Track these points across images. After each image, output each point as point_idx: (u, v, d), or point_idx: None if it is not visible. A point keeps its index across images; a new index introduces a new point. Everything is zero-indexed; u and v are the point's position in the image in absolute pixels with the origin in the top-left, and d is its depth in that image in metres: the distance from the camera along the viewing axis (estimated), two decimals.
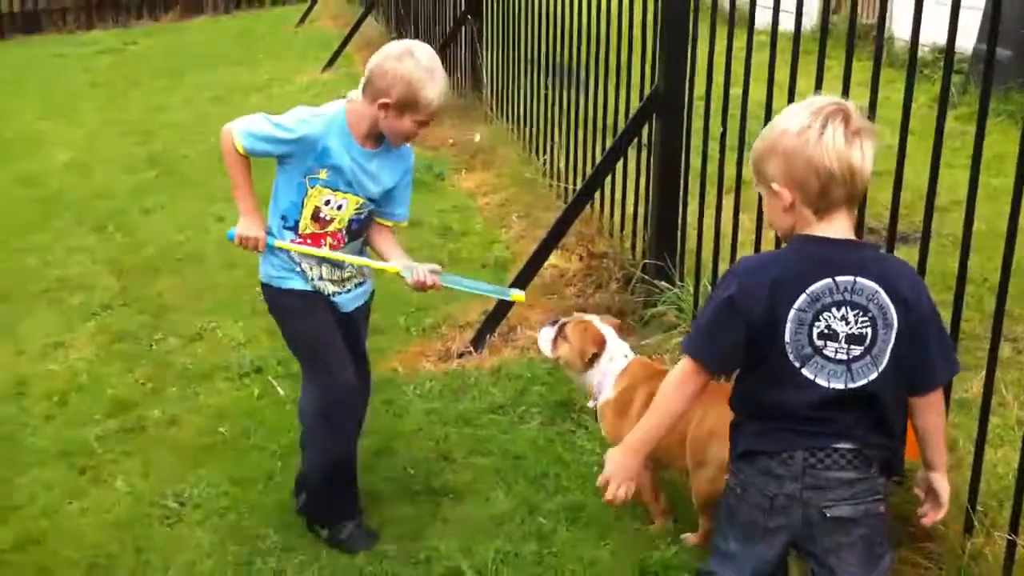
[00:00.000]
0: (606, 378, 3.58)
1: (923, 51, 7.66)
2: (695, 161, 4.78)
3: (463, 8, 8.91)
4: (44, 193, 8.41)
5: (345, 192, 3.38)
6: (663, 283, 4.81)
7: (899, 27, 3.63)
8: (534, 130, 7.02)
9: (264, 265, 3.53)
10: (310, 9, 15.82)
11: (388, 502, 3.82)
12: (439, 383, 4.64)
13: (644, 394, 3.37)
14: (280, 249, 3.43)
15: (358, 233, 3.50)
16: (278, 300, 3.53)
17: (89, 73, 13.70)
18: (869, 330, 2.32)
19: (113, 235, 7.18)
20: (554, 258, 5.38)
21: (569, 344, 3.62)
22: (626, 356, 3.62)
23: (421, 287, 3.43)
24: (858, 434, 2.36)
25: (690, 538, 3.44)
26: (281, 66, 12.30)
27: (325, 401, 3.51)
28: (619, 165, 5.24)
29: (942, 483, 2.55)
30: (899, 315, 2.33)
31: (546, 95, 6.72)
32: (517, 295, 3.68)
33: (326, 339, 3.49)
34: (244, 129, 3.33)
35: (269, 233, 3.43)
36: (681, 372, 2.45)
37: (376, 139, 3.37)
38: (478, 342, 4.92)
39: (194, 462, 4.11)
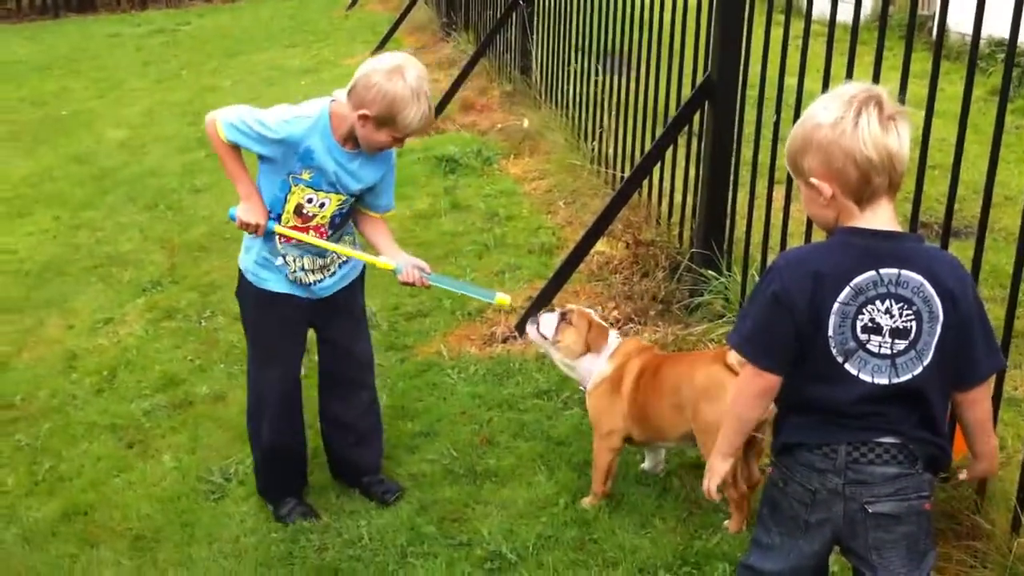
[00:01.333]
0: (598, 361, 3.63)
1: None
2: (746, 150, 4.73)
3: None
4: (97, 171, 8.54)
5: (328, 192, 3.43)
6: (710, 272, 4.77)
7: (953, 19, 3.56)
8: (583, 116, 6.99)
9: (245, 254, 3.60)
10: None
11: (431, 484, 3.84)
12: (483, 367, 4.64)
13: (636, 368, 3.54)
14: (276, 235, 3.45)
15: (340, 225, 3.56)
16: (248, 292, 3.62)
17: (142, 53, 13.85)
18: (914, 324, 2.27)
19: (164, 213, 7.27)
20: (601, 245, 5.36)
21: (575, 330, 3.65)
22: (617, 338, 3.71)
23: (410, 284, 3.50)
24: (903, 429, 2.32)
25: (729, 525, 3.44)
26: (331, 49, 12.35)
27: (263, 394, 3.69)
28: (668, 152, 5.20)
29: (987, 465, 2.54)
30: (945, 308, 2.28)
31: (596, 81, 6.68)
32: (501, 299, 3.64)
33: (279, 340, 3.64)
34: (228, 121, 3.35)
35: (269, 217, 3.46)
36: (747, 381, 2.42)
37: (354, 141, 3.40)
38: (523, 327, 4.91)
39: (240, 438, 4.14)
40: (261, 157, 3.42)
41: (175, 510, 3.87)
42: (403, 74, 3.24)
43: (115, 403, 4.72)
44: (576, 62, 7.19)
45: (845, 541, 2.39)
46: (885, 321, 2.28)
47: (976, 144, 4.49)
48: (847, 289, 2.27)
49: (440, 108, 8.77)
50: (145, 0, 18.14)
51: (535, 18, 8.45)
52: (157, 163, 8.54)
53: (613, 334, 3.72)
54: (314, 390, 3.85)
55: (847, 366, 2.29)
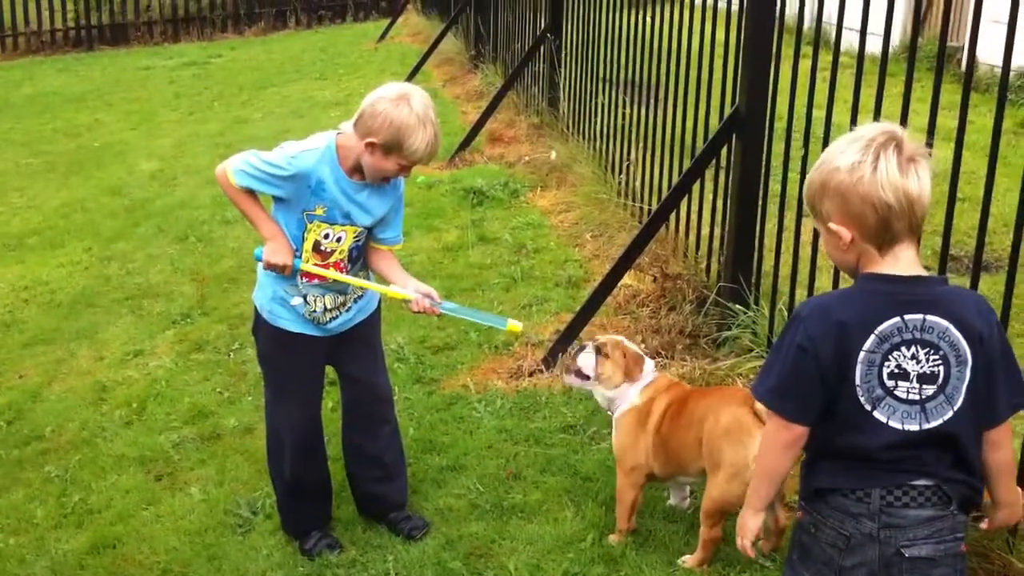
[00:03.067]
0: (632, 390, 3.64)
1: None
2: (774, 183, 4.72)
3: (543, 25, 8.94)
4: (129, 202, 8.63)
5: (343, 225, 3.44)
6: (738, 306, 4.75)
7: (983, 51, 3.54)
8: (610, 148, 7.01)
9: (260, 291, 3.59)
10: (391, 25, 16.02)
11: (457, 519, 3.82)
12: (510, 401, 4.63)
13: (663, 404, 3.56)
14: (299, 274, 3.45)
15: (358, 258, 3.57)
16: (263, 329, 3.62)
17: (174, 85, 14.02)
18: (941, 368, 2.25)
19: (194, 245, 7.32)
20: (628, 278, 5.36)
21: (612, 362, 3.66)
22: (652, 372, 3.71)
23: (422, 312, 3.49)
24: (937, 471, 2.28)
25: (687, 560, 3.42)
26: (360, 81, 12.46)
27: (281, 432, 3.69)
28: (695, 185, 5.20)
29: (1009, 513, 2.47)
30: (972, 350, 2.25)
31: (623, 113, 6.70)
32: (513, 325, 3.59)
33: (295, 378, 3.64)
34: (237, 168, 3.37)
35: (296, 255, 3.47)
36: (774, 433, 2.38)
37: (362, 172, 3.41)
38: (549, 361, 4.91)
39: (267, 471, 4.14)
40: (275, 200, 3.43)
41: (202, 543, 3.87)
42: (409, 101, 3.27)
43: (144, 435, 4.74)
44: (603, 94, 7.21)
45: None
46: (912, 367, 2.25)
47: (1006, 177, 4.47)
48: (872, 337, 2.24)
49: (468, 140, 8.82)
50: (177, 33, 18.40)
51: (563, 51, 8.50)
52: (188, 195, 8.62)
53: (649, 364, 3.71)
54: (340, 422, 3.85)
55: (876, 414, 2.26)
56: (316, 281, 3.48)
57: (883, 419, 2.26)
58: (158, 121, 11.85)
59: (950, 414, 2.26)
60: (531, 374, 4.87)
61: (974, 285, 3.40)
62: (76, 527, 4.12)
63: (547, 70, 8.85)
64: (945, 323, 2.24)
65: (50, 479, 4.49)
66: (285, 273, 3.43)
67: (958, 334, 2.24)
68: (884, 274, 2.27)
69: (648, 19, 6.17)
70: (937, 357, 2.25)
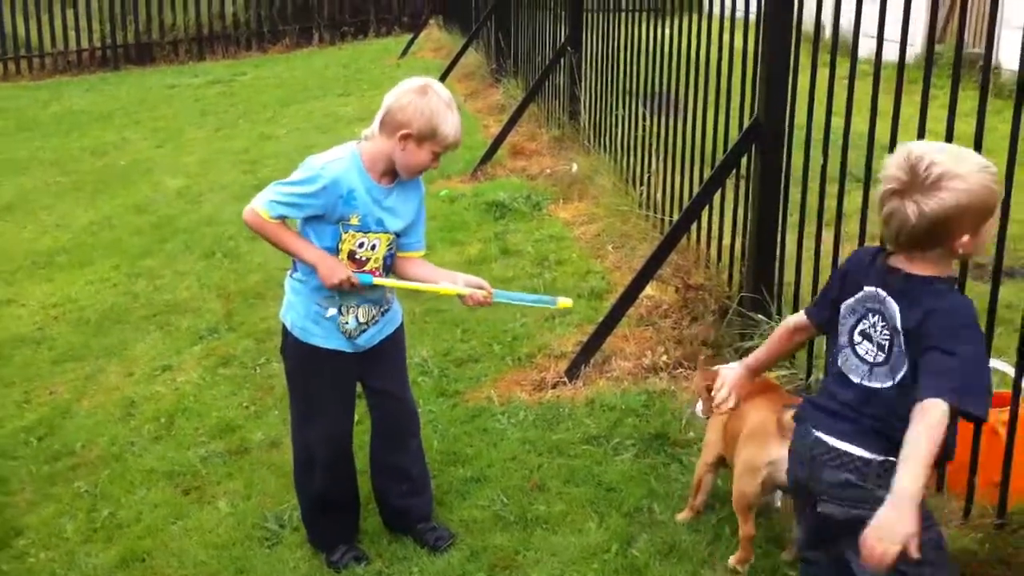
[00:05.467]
0: None
1: None
2: (794, 192, 4.73)
3: (563, 38, 8.98)
4: (156, 219, 8.72)
5: (377, 232, 3.47)
6: (760, 316, 4.75)
7: (1005, 56, 3.55)
8: (631, 160, 7.03)
9: (290, 310, 3.60)
10: (412, 41, 16.11)
11: (482, 531, 3.84)
12: (533, 413, 4.65)
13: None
14: (343, 288, 3.44)
15: (391, 267, 3.60)
16: (294, 348, 3.62)
17: (200, 103, 14.14)
18: (887, 343, 2.53)
19: (220, 261, 7.39)
20: (650, 289, 5.37)
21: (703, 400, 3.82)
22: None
23: (479, 305, 3.52)
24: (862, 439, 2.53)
25: (731, 560, 3.49)
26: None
27: (313, 450, 3.71)
28: (716, 196, 5.21)
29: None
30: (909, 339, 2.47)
31: (644, 125, 6.73)
32: (564, 303, 3.64)
33: (327, 396, 3.66)
34: (266, 202, 3.39)
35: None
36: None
37: (390, 176, 3.46)
38: (572, 372, 4.93)
39: (294, 485, 4.18)
40: (303, 222, 3.45)
41: (230, 557, 3.91)
42: (433, 89, 3.38)
43: (173, 450, 4.80)
44: (623, 107, 7.24)
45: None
46: (873, 333, 2.56)
47: None
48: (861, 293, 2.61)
49: (490, 154, 8.87)
50: (202, 51, 18.56)
51: (583, 63, 8.53)
52: (214, 211, 8.70)
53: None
54: (366, 435, 3.88)
55: (839, 357, 2.65)
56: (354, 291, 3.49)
57: (841, 364, 2.66)
58: (184, 139, 11.96)
59: (889, 384, 2.52)
60: (554, 386, 4.89)
61: (995, 292, 3.40)
62: (106, 541, 4.17)
63: (567, 83, 8.89)
64: (895, 306, 2.51)
65: (80, 494, 4.55)
66: (354, 286, 3.43)
67: (898, 318, 2.50)
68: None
69: (666, 30, 6.19)
70: (887, 333, 2.51)
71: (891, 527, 2.21)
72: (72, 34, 18.03)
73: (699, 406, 3.84)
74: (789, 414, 3.16)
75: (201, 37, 18.69)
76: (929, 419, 2.30)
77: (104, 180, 10.37)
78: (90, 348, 6.20)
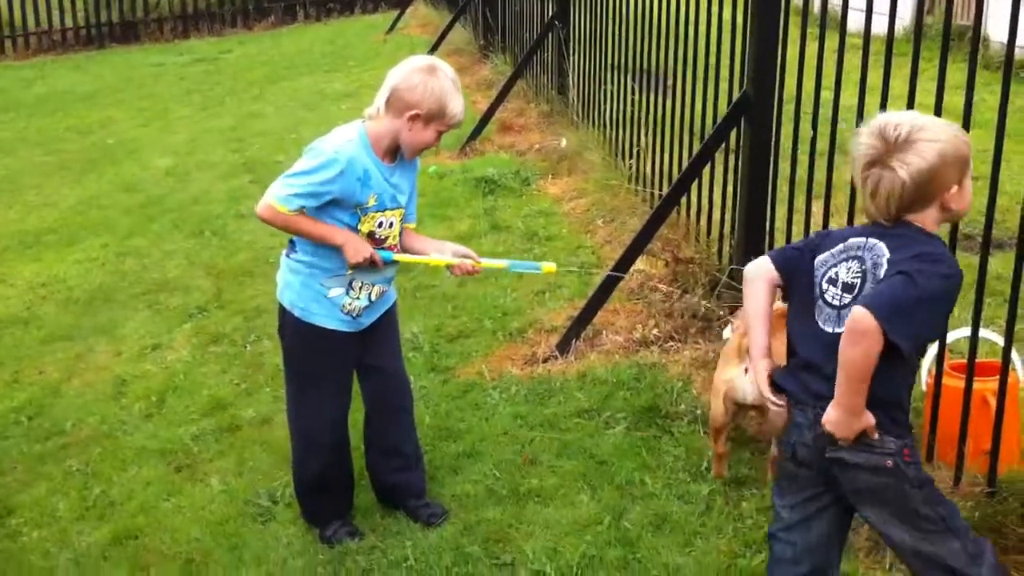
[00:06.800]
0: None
1: (1020, 52, 7.48)
2: (783, 166, 4.73)
3: (551, 13, 8.94)
4: (143, 198, 8.67)
5: (392, 209, 3.49)
6: None
7: (994, 29, 3.55)
8: (620, 135, 7.02)
9: (288, 290, 3.58)
10: (399, 17, 16.02)
11: (475, 505, 3.86)
12: (525, 387, 4.66)
13: None
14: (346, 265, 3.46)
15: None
16: (294, 328, 3.60)
17: (185, 81, 14.05)
18: (859, 281, 2.53)
19: (209, 240, 7.37)
20: (640, 263, 5.38)
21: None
22: None
23: (467, 274, 3.58)
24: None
25: None
26: (371, 73, 12.47)
27: (311, 430, 3.71)
28: (706, 169, 5.21)
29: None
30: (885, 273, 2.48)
31: (633, 99, 6.71)
32: (548, 267, 3.70)
33: (329, 377, 3.66)
34: (281, 196, 3.34)
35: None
36: None
37: (393, 154, 3.47)
38: (564, 347, 4.94)
39: (286, 461, 4.18)
40: (320, 209, 3.39)
41: (223, 533, 3.92)
42: (441, 69, 3.42)
43: (164, 428, 4.79)
44: (612, 81, 7.22)
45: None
46: (842, 275, 2.58)
47: (1020, 155, 4.47)
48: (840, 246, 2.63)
49: (479, 130, 8.84)
50: (187, 29, 18.41)
51: (571, 38, 8.50)
52: (202, 190, 8.66)
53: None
54: (358, 412, 3.89)
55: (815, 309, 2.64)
56: (365, 268, 3.47)
57: (816, 315, 2.67)
58: (170, 117, 11.88)
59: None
60: (545, 360, 4.90)
61: (984, 263, 3.42)
62: (98, 519, 4.18)
63: (556, 58, 8.86)
64: (884, 247, 2.52)
65: (71, 473, 4.55)
66: (376, 263, 3.44)
67: (885, 259, 2.50)
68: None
69: (655, 4, 6.17)
70: (859, 271, 2.54)
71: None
72: (56, 13, 17.85)
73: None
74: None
75: (186, 15, 18.54)
76: (850, 324, 2.40)
77: (91, 159, 10.31)
78: (79, 327, 6.18)
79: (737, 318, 4.10)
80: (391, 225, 3.50)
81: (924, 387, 3.83)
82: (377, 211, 3.44)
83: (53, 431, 4.96)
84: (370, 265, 3.43)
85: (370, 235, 3.47)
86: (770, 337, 2.74)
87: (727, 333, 4.21)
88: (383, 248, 3.50)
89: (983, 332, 3.58)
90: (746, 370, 3.52)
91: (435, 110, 3.35)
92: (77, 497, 4.35)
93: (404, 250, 3.62)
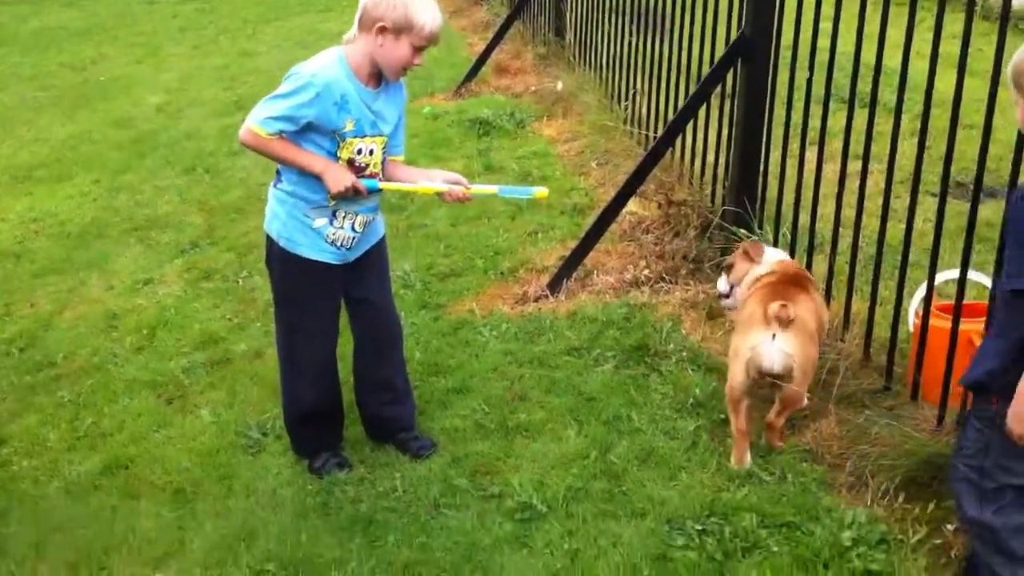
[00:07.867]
0: (758, 271, 3.95)
1: (1017, 3, 7.41)
2: (779, 111, 4.71)
3: None
4: (136, 134, 8.63)
5: (372, 135, 3.45)
6: (742, 230, 4.77)
7: None
8: (616, 77, 6.98)
9: (275, 220, 3.55)
10: None
11: (463, 439, 3.89)
12: (515, 325, 4.68)
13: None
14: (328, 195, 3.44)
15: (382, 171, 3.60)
16: (281, 259, 3.58)
17: (178, 19, 13.93)
18: None
19: (201, 176, 7.35)
20: (633, 205, 5.37)
21: (736, 265, 4.07)
22: (777, 257, 4.04)
23: (458, 201, 3.58)
24: None
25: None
26: None
27: (300, 361, 3.72)
28: (701, 112, 5.19)
29: None
30: None
31: (629, 42, 6.66)
32: (540, 192, 3.70)
33: (316, 308, 3.65)
34: (261, 119, 3.31)
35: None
36: None
37: (376, 79, 3.42)
38: (555, 286, 4.95)
39: (277, 394, 4.19)
40: (299, 134, 3.37)
41: (213, 464, 3.95)
42: None
43: (155, 361, 4.81)
44: (609, 24, 7.16)
45: None
46: None
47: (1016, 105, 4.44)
48: None
49: (474, 72, 8.78)
50: None
51: None
52: (194, 127, 8.62)
53: (771, 251, 4.04)
54: (348, 346, 3.90)
55: None
56: (350, 198, 3.46)
57: None
58: (163, 55, 11.79)
59: None
60: (536, 299, 4.91)
61: (974, 210, 3.42)
62: (89, 449, 4.21)
63: (553, 0, 8.78)
64: None
65: (63, 404, 4.57)
66: (361, 192, 3.42)
67: None
68: None
69: None
70: None
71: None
72: None
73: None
74: (778, 305, 3.42)
75: None
76: None
77: (83, 95, 10.24)
78: (71, 262, 6.18)
79: (731, 273, 4.07)
80: (371, 152, 3.47)
81: (911, 328, 3.86)
82: (355, 136, 3.40)
83: (44, 363, 4.98)
84: (354, 194, 3.42)
85: (350, 162, 3.44)
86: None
87: (721, 285, 4.15)
88: (364, 176, 3.48)
89: (973, 274, 3.60)
90: (773, 336, 3.45)
91: (401, 21, 3.27)
92: (68, 428, 4.38)
93: (394, 180, 3.60)
